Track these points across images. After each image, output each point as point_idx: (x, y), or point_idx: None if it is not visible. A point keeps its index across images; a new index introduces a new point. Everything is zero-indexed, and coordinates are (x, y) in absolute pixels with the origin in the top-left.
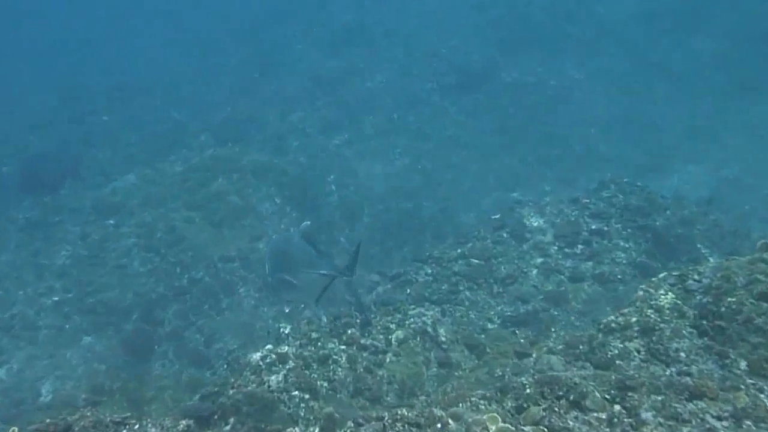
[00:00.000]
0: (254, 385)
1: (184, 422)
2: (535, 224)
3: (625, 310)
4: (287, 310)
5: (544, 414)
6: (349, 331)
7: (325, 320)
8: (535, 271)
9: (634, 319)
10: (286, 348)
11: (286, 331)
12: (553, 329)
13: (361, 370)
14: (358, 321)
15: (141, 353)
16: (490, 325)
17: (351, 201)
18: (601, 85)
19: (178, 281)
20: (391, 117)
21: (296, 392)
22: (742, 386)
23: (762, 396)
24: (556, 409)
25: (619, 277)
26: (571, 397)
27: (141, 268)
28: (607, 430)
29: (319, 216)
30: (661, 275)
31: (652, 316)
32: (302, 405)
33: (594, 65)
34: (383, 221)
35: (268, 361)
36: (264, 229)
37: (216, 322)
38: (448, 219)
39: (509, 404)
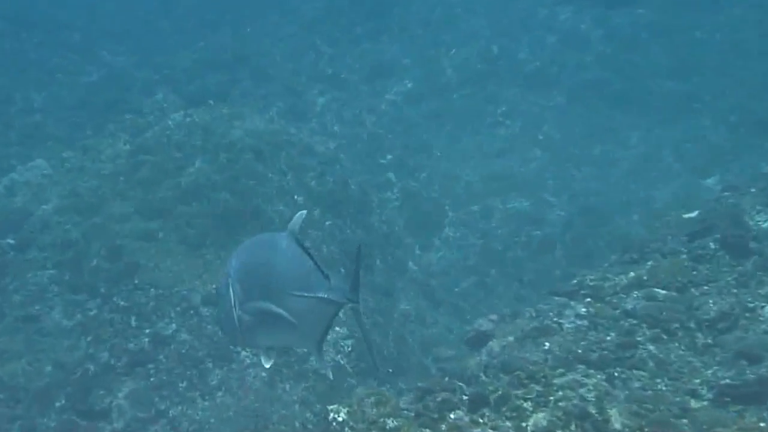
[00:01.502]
0: None
1: None
2: (765, 225)
3: None
4: (267, 365)
5: None
6: (452, 415)
7: (404, 399)
8: None
9: None
10: None
11: (340, 418)
12: None
13: None
14: (465, 396)
15: None
16: (694, 402)
17: (423, 200)
18: None
19: (134, 341)
20: (487, 50)
21: None
22: None
23: None
24: None
25: None
26: None
27: (66, 320)
28: None
29: (370, 225)
30: None
31: None
32: None
33: None
34: (480, 233)
35: None
36: None
37: (202, 410)
38: (595, 225)
39: None
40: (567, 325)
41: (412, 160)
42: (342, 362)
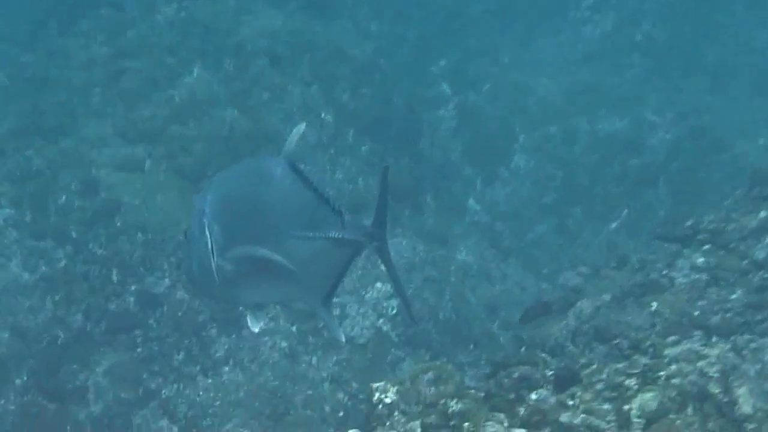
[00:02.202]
0: None
1: None
2: None
3: None
4: (256, 328)
5: None
6: (533, 396)
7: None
8: None
9: None
10: None
11: (388, 399)
12: None
13: None
14: (549, 372)
15: None
16: None
17: (486, 118)
18: None
19: (116, 301)
20: None
21: None
22: None
23: None
24: None
25: None
26: None
27: (27, 274)
28: None
29: (419, 151)
30: None
31: None
32: None
33: None
34: (560, 162)
35: None
36: None
37: (204, 390)
38: (710, 151)
39: None
40: (680, 280)
41: (472, 67)
42: (385, 329)
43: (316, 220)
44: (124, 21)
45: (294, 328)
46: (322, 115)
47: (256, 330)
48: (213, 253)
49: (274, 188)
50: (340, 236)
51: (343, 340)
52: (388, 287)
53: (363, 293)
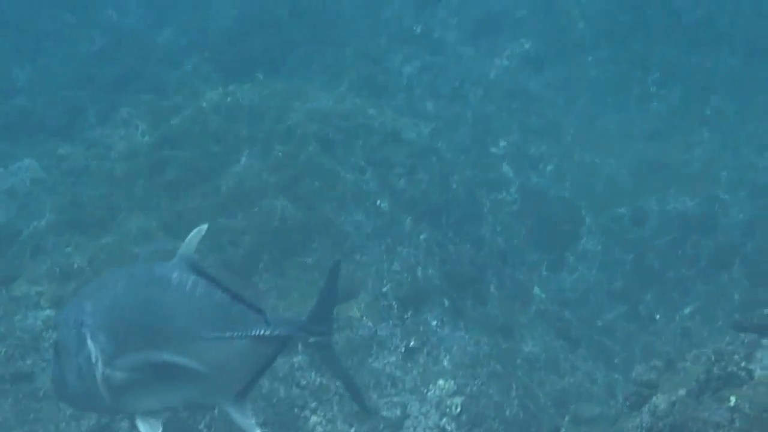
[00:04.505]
0: None
1: None
2: None
3: None
4: None
5: None
6: None
7: None
8: None
9: None
10: None
11: None
12: None
13: None
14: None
15: None
16: None
17: (550, 201)
18: None
19: None
20: None
21: None
22: None
23: None
24: None
25: None
26: None
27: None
28: None
29: (480, 238)
30: None
31: None
32: None
33: None
34: (630, 245)
35: None
36: (354, 270)
37: None
38: None
39: None
40: (759, 372)
41: (534, 147)
42: (449, 428)
43: (233, 319)
44: (167, 108)
45: (353, 430)
46: (377, 202)
47: None
48: (98, 364)
49: (173, 292)
50: (270, 333)
51: None
52: (451, 384)
53: (424, 391)
